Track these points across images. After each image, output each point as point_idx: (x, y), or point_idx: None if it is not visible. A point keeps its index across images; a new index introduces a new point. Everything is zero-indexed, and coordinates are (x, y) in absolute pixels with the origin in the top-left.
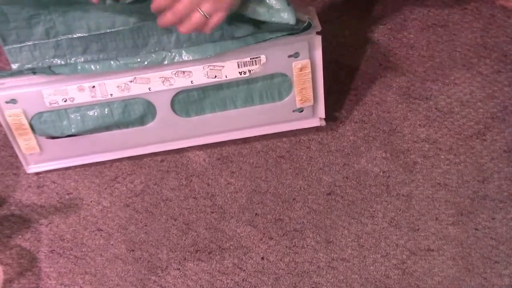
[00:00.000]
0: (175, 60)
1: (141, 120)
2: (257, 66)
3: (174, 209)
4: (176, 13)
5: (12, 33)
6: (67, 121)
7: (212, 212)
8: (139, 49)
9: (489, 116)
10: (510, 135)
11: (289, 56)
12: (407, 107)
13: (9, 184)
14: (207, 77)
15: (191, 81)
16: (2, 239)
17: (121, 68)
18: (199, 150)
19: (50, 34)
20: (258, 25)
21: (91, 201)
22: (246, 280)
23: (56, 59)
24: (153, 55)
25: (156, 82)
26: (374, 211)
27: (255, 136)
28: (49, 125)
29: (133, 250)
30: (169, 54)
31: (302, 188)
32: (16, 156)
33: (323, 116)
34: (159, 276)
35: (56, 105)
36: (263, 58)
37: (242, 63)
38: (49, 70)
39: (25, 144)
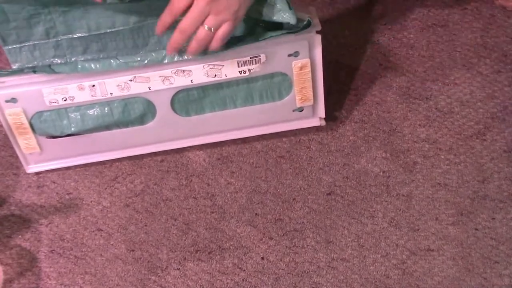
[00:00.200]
0: (175, 59)
1: (141, 120)
2: (257, 65)
3: (174, 209)
4: (182, 30)
5: (12, 33)
6: (67, 120)
7: (212, 212)
8: (139, 49)
9: (489, 116)
10: (510, 135)
11: (289, 55)
12: (407, 107)
13: (9, 184)
14: (207, 76)
15: (191, 80)
16: (2, 239)
17: (121, 67)
18: (199, 150)
19: (50, 34)
20: (258, 24)
21: (91, 201)
22: (246, 280)
23: (56, 59)
24: (153, 54)
25: (156, 81)
26: (374, 211)
27: (255, 136)
28: (49, 124)
29: (133, 250)
30: None
31: (302, 188)
32: (16, 156)
33: (323, 115)
34: (159, 276)
35: (56, 104)
36: (263, 57)
37: (242, 62)
38: (49, 69)
39: (25, 143)
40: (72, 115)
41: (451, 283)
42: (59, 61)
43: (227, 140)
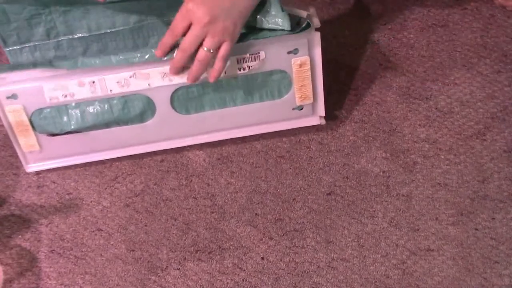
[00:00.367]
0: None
1: (141, 117)
2: (256, 62)
3: (174, 209)
4: (183, 50)
5: (13, 34)
6: (67, 118)
7: (212, 212)
8: (139, 49)
9: (489, 116)
10: (510, 135)
11: (289, 53)
12: (407, 107)
13: (9, 184)
14: (206, 73)
15: None
16: (2, 239)
17: (121, 63)
18: (199, 150)
19: (51, 35)
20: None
21: (91, 201)
22: (246, 280)
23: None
24: (153, 50)
25: (155, 78)
26: (374, 211)
27: (255, 136)
28: (49, 121)
29: (133, 250)
30: None
31: (302, 188)
32: (16, 156)
33: (323, 114)
34: (159, 276)
35: (56, 100)
36: (262, 54)
37: (241, 59)
38: (50, 64)
39: (25, 141)
40: (72, 112)
41: (451, 283)
42: None
43: (227, 140)
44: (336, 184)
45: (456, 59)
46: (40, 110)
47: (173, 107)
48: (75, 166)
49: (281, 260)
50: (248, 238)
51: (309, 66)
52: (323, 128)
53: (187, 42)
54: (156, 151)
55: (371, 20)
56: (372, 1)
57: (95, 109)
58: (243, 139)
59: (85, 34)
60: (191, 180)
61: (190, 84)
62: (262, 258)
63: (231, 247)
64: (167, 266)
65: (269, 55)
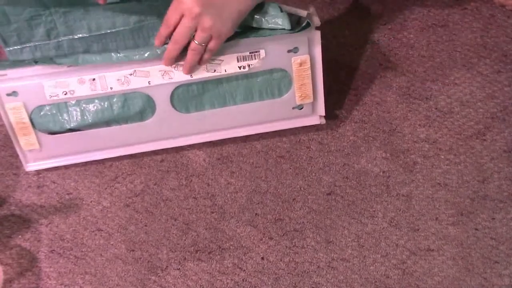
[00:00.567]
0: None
1: (141, 115)
2: (257, 60)
3: (174, 209)
4: (174, 41)
5: (13, 35)
6: (67, 115)
7: (212, 212)
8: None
9: (489, 116)
10: (510, 135)
11: (289, 51)
12: (407, 107)
13: (9, 184)
14: (207, 71)
15: (191, 75)
16: (2, 239)
17: (121, 60)
18: (199, 150)
19: (51, 35)
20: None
21: (91, 201)
22: (246, 280)
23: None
24: (153, 48)
25: (155, 76)
26: (374, 211)
27: (255, 136)
28: (49, 119)
29: (133, 250)
30: None
31: (302, 188)
32: (16, 156)
33: (323, 113)
34: (159, 276)
35: (56, 98)
36: (262, 52)
37: (242, 57)
38: (51, 60)
39: (25, 139)
40: (72, 110)
41: (451, 283)
42: None
43: (227, 140)
44: (336, 184)
45: (456, 59)
46: (40, 107)
47: (173, 105)
48: (75, 166)
49: (281, 260)
50: (248, 238)
51: (309, 65)
52: (323, 128)
53: (178, 34)
54: (156, 151)
55: (371, 20)
56: (372, 1)
57: (95, 107)
58: (243, 139)
59: (85, 35)
60: (191, 180)
61: (190, 81)
62: (262, 258)
63: (231, 247)
64: (167, 266)
65: (269, 53)
